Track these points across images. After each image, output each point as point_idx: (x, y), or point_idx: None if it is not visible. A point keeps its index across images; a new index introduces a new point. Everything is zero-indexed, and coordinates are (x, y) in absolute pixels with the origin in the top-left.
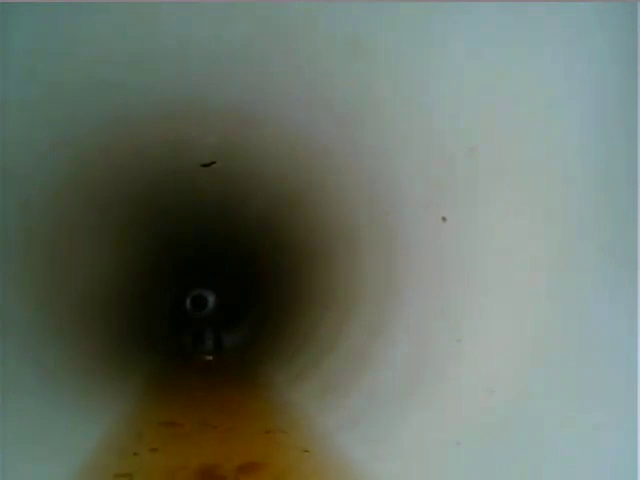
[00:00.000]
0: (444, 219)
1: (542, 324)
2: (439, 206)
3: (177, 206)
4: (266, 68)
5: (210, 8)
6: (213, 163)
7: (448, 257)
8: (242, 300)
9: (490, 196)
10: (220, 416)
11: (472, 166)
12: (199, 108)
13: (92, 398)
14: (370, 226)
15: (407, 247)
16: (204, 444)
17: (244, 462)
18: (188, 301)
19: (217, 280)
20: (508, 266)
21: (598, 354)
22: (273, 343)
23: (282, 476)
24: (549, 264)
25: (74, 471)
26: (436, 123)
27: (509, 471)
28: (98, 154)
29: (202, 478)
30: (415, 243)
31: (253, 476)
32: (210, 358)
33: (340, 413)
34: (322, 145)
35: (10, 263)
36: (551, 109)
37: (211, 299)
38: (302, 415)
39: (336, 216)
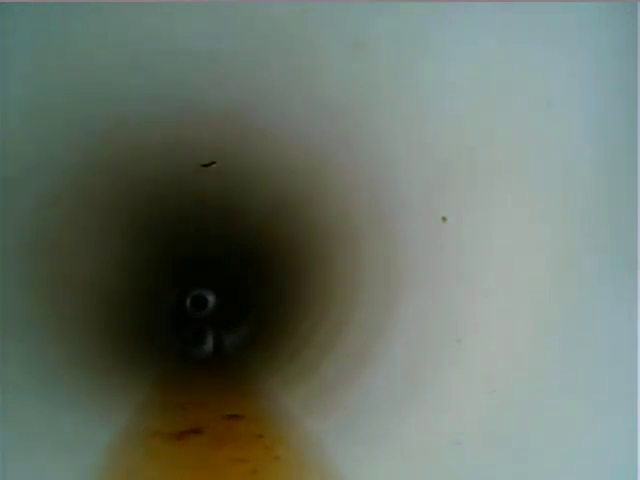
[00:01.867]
0: (444, 219)
1: (542, 324)
2: (439, 206)
3: (177, 206)
4: (265, 68)
5: (210, 8)
6: (213, 163)
7: (448, 257)
8: (242, 300)
9: (490, 196)
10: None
11: (472, 166)
12: (199, 108)
13: (94, 397)
14: (370, 226)
15: (407, 247)
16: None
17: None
18: (188, 301)
19: (217, 280)
20: (508, 266)
21: (598, 354)
22: (273, 343)
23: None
24: (549, 264)
25: (75, 471)
26: (436, 123)
27: (509, 471)
28: (98, 155)
29: None
30: (415, 243)
31: None
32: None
33: (340, 413)
34: (322, 145)
35: (11, 263)
36: (551, 109)
37: (211, 299)
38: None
39: (336, 216)
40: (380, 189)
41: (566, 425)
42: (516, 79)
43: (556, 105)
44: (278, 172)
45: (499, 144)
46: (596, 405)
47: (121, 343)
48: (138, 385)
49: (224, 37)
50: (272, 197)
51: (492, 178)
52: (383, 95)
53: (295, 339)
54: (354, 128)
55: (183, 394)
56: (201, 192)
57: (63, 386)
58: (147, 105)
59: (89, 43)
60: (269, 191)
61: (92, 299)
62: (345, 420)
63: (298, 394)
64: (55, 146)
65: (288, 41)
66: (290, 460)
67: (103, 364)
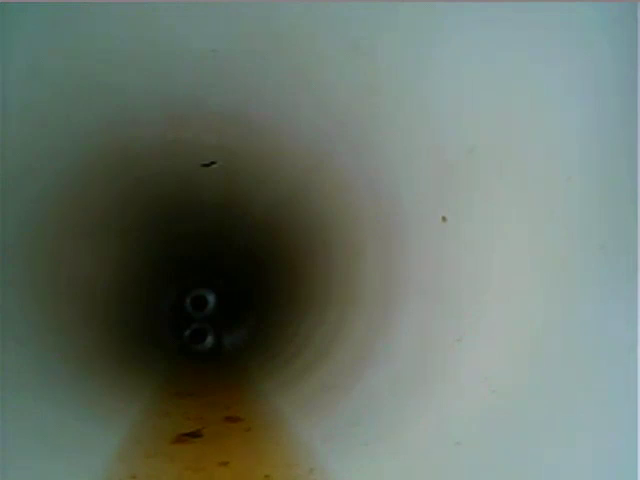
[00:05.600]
0: (444, 219)
1: (542, 324)
2: (439, 206)
3: (177, 207)
4: (266, 68)
5: (210, 8)
6: (213, 163)
7: (448, 257)
8: (242, 300)
9: (490, 196)
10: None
11: (472, 166)
12: (199, 108)
13: (93, 399)
14: (370, 226)
15: (407, 247)
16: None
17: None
18: (188, 301)
19: (217, 280)
20: (508, 266)
21: (598, 354)
22: (273, 343)
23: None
24: (549, 264)
25: (75, 472)
26: (436, 123)
27: (509, 471)
28: (98, 155)
29: None
30: (415, 243)
31: None
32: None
33: (340, 413)
34: (321, 145)
35: (10, 263)
36: (551, 109)
37: (211, 299)
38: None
39: (336, 216)
40: (380, 189)
41: (566, 425)
42: (516, 79)
43: (556, 105)
44: (278, 172)
45: (499, 144)
46: (596, 405)
47: (120, 343)
48: (138, 386)
49: (224, 37)
50: (272, 197)
51: (492, 178)
52: (383, 95)
53: (295, 339)
54: (354, 128)
55: (182, 395)
56: (201, 192)
57: (62, 387)
58: (147, 105)
59: (89, 44)
60: (269, 191)
61: (92, 299)
62: (345, 420)
63: (298, 395)
64: (55, 146)
65: (289, 41)
66: (287, 460)
67: (103, 365)
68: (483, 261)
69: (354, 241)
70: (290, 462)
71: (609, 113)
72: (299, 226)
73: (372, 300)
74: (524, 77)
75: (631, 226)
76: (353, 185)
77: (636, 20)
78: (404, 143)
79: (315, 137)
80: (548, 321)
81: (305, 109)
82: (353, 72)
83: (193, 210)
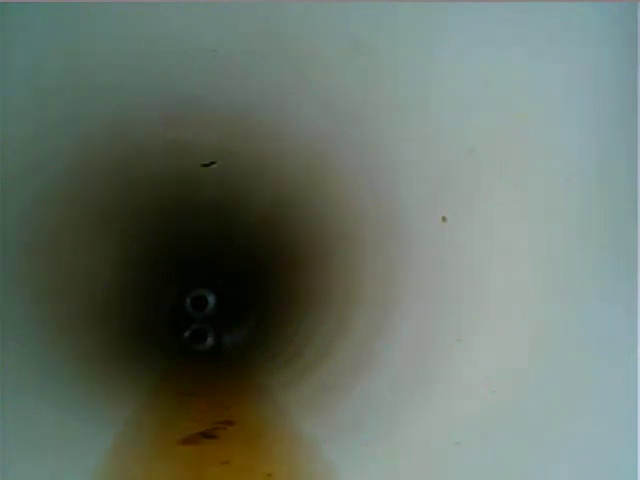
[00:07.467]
0: (444, 219)
1: (542, 324)
2: (439, 206)
3: (177, 206)
4: (266, 68)
5: (210, 8)
6: (213, 163)
7: (448, 257)
8: (242, 300)
9: (490, 196)
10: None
11: (472, 166)
12: (199, 108)
13: (93, 399)
14: (370, 226)
15: (407, 247)
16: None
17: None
18: (188, 301)
19: (217, 280)
20: (508, 266)
21: (598, 354)
22: (273, 343)
23: None
24: (549, 264)
25: (74, 473)
26: (436, 123)
27: (509, 471)
28: (98, 156)
29: None
30: (415, 243)
31: None
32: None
33: (339, 413)
34: (322, 145)
35: (10, 263)
36: (551, 109)
37: (211, 299)
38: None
39: (336, 216)
40: (380, 189)
41: (566, 425)
42: (516, 79)
43: (556, 105)
44: (278, 172)
45: (499, 144)
46: (596, 405)
47: (120, 344)
48: (138, 386)
49: (224, 37)
50: (272, 197)
51: (492, 178)
52: (383, 95)
53: (295, 339)
54: (354, 128)
55: (183, 395)
56: (201, 192)
57: (62, 387)
58: (147, 105)
59: (89, 43)
60: (269, 191)
61: (92, 300)
62: (345, 420)
63: (299, 394)
64: (55, 146)
65: (289, 41)
66: (288, 460)
67: (103, 365)
68: (483, 261)
69: (354, 241)
70: (290, 462)
71: (609, 113)
72: (299, 226)
73: (372, 300)
74: (524, 77)
75: (631, 226)
76: (353, 185)
77: (636, 20)
78: (404, 143)
79: (316, 137)
80: (548, 321)
81: (305, 109)
82: (353, 72)
83: (193, 210)
